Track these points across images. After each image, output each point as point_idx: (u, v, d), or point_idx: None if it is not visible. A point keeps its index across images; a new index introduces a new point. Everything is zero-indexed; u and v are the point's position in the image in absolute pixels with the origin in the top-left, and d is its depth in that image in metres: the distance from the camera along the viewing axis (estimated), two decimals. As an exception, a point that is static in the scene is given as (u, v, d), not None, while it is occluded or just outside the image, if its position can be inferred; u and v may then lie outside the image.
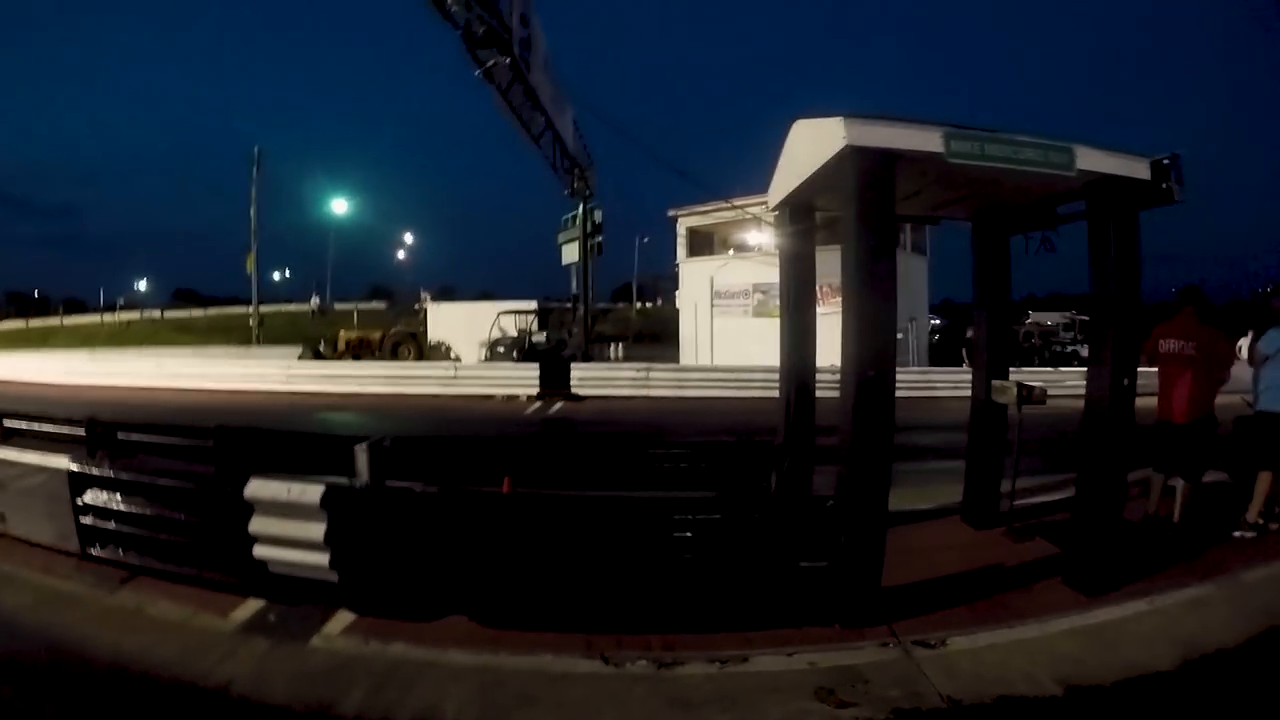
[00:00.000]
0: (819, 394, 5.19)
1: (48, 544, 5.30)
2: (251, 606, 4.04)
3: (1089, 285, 4.06)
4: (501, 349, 20.79)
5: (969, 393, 5.49)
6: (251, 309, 30.12)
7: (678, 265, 23.29)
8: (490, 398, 15.31)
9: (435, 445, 6.58)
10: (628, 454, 6.33)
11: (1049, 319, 27.60)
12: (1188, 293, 5.10)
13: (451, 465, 5.66)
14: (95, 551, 5.00)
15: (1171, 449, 4.97)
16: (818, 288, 5.50)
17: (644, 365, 17.02)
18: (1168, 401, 4.92)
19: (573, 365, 16.36)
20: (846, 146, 3.52)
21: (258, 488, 4.08)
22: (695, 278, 22.56)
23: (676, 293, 26.18)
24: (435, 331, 25.54)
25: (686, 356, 21.73)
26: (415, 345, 24.53)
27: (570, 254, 21.70)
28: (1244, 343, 5.47)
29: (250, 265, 28.03)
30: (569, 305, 22.55)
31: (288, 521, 3.99)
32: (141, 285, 66.02)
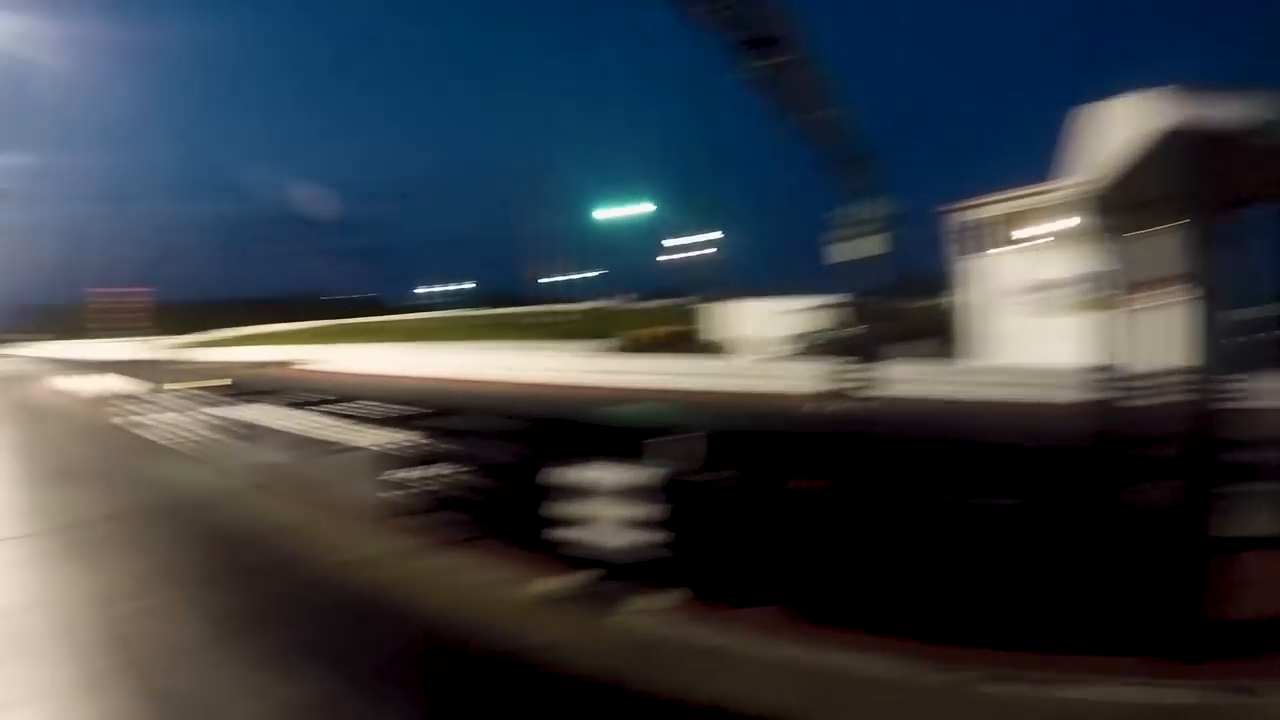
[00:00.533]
0: (1134, 399, 4.70)
1: (367, 509, 5.95)
2: (560, 580, 4.26)
3: None
4: (799, 345, 20.14)
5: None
6: (553, 308, 36.16)
7: (960, 259, 21.51)
8: (787, 394, 13.84)
9: (742, 438, 6.60)
10: (949, 455, 6.03)
11: None
12: None
13: (761, 458, 5.65)
14: (413, 519, 5.54)
15: None
16: (1129, 280, 4.99)
17: (936, 362, 16.10)
18: None
19: (863, 362, 15.75)
20: (1169, 126, 3.22)
21: (572, 470, 4.44)
22: (982, 272, 20.60)
23: (957, 288, 23.84)
24: (723, 328, 25.22)
25: (973, 354, 19.93)
26: (700, 341, 24.85)
27: (846, 251, 21.06)
28: None
29: (545, 272, 35.14)
30: (863, 302, 21.68)
31: (601, 503, 4.27)
32: (455, 286, 76.58)
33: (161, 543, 6.03)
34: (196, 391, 11.00)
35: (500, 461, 5.36)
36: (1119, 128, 3.94)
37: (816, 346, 19.64)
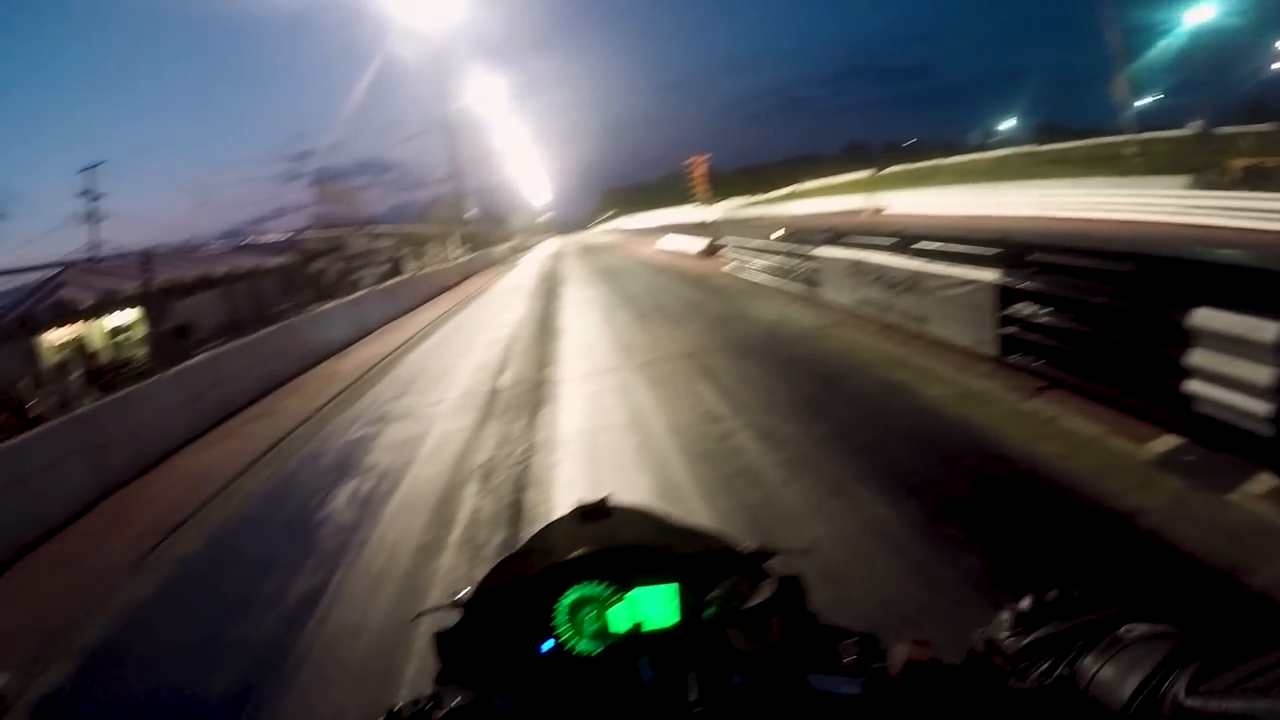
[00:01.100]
0: None
1: (964, 347, 5.99)
2: (1168, 441, 3.87)
3: None
4: None
5: None
6: (1127, 137, 28.66)
7: None
8: None
9: None
10: None
11: None
12: None
13: None
14: (1013, 359, 5.43)
15: None
16: None
17: None
18: None
19: None
20: None
21: (1205, 317, 3.78)
22: None
23: None
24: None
25: None
26: None
27: None
28: None
29: (1119, 92, 27.68)
30: None
31: (1230, 359, 3.62)
32: (1006, 125, 70.76)
33: (760, 371, 6.56)
34: (779, 241, 11.49)
35: (1109, 303, 4.60)
36: None
37: None
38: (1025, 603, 0.67)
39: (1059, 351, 4.97)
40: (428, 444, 6.01)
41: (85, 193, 33.56)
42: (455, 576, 3.59)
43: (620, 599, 0.78)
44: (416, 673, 2.78)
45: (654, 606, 0.78)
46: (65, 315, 14.43)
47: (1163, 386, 4.05)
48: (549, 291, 17.57)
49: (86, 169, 33.80)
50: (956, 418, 4.66)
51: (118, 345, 19.06)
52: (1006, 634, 0.65)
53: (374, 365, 11.12)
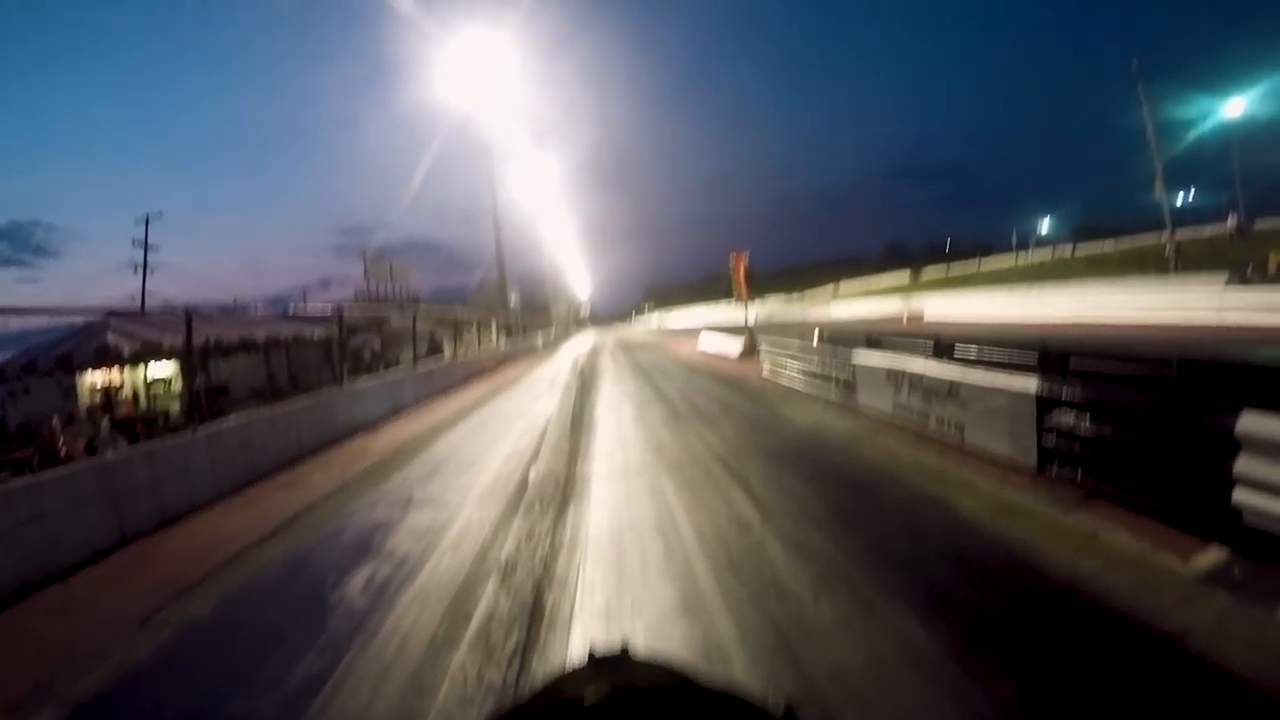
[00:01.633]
0: None
1: (1003, 458, 6.07)
2: (1214, 554, 3.85)
3: None
4: None
5: None
6: (1163, 236, 29.55)
7: None
8: None
9: None
10: None
11: None
12: None
13: None
14: (1053, 471, 5.44)
15: None
16: None
17: None
18: None
19: None
20: None
21: (1250, 423, 3.75)
22: None
23: None
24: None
25: None
26: None
27: None
28: None
29: (1157, 190, 27.83)
30: None
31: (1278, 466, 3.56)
32: (1044, 226, 73.14)
33: (793, 478, 6.55)
34: (817, 344, 11.73)
35: (1151, 411, 4.60)
36: None
37: None
38: None
39: (1100, 462, 4.97)
40: (451, 532, 6.02)
41: (139, 242, 35.92)
42: (466, 676, 3.53)
43: None
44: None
45: None
46: (105, 360, 15.09)
47: (1208, 496, 4.02)
48: (584, 385, 17.82)
49: (143, 219, 36.38)
50: (994, 532, 4.62)
51: (154, 396, 19.77)
52: None
53: (405, 445, 11.26)
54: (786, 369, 13.35)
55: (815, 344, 12.59)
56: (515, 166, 49.79)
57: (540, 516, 6.16)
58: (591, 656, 0.90)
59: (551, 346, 49.93)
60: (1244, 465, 3.79)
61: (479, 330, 37.82)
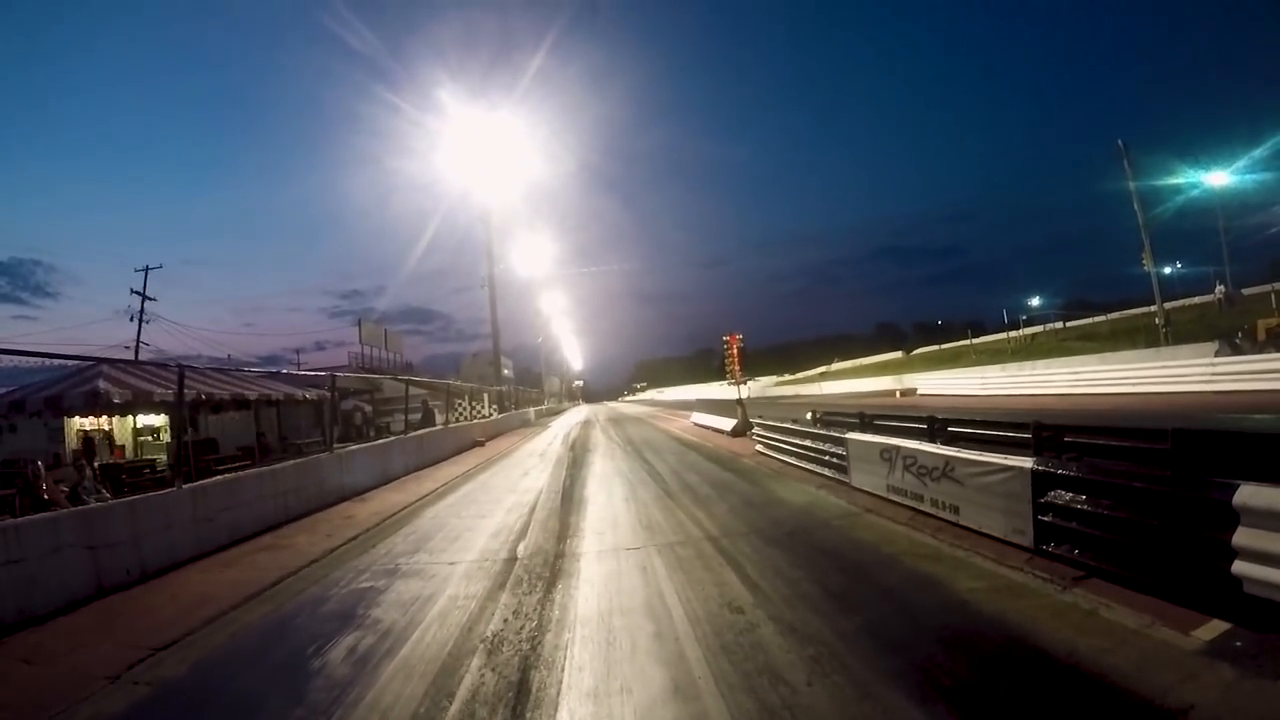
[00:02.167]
0: None
1: (999, 536, 6.10)
2: (1216, 627, 3.88)
3: None
4: None
5: None
6: (1153, 308, 30.56)
7: None
8: None
9: None
10: None
11: None
12: None
13: None
14: (1049, 548, 5.47)
15: None
16: None
17: None
18: None
19: None
20: None
21: (1247, 494, 3.80)
22: None
23: None
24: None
25: None
26: None
27: None
28: None
29: (1146, 262, 29.07)
30: None
31: (1275, 536, 3.64)
32: (1034, 301, 75.06)
33: (787, 559, 6.53)
34: (809, 423, 11.88)
35: (1147, 485, 4.69)
36: None
37: None
38: None
39: (1097, 538, 5.03)
40: (436, 606, 5.94)
41: (137, 292, 36.33)
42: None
43: None
44: None
45: None
46: (96, 405, 15.00)
47: (1207, 569, 4.09)
48: (575, 460, 17.76)
49: (142, 270, 36.92)
50: (992, 613, 4.62)
51: (142, 445, 19.53)
52: None
53: (392, 515, 11.15)
54: (779, 447, 13.40)
55: (808, 423, 12.73)
56: (513, 240, 51.20)
57: (528, 593, 6.10)
58: None
59: (544, 420, 49.81)
60: (1243, 537, 3.87)
61: (471, 401, 37.82)
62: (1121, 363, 23.01)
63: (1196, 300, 41.72)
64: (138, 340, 36.02)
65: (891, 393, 36.59)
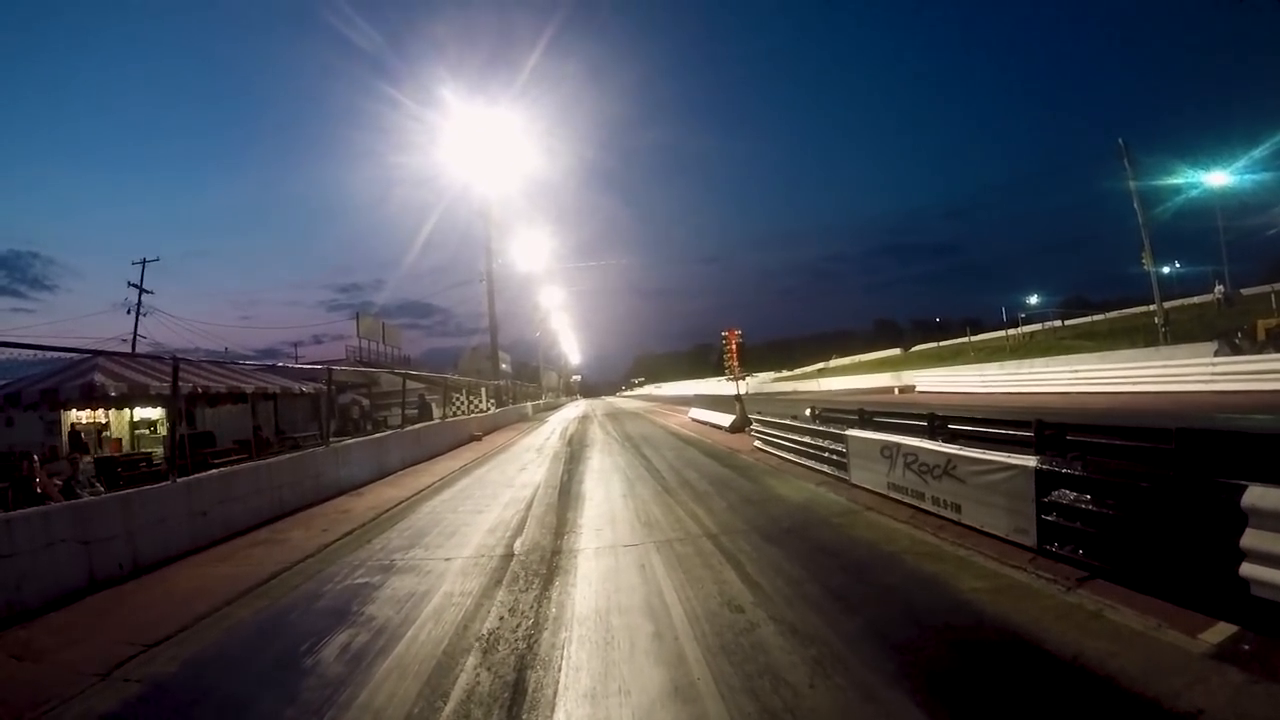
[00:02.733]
0: None
1: (1001, 535, 6.05)
2: (1223, 629, 3.84)
3: None
4: None
5: None
6: (1152, 308, 30.60)
7: None
8: None
9: None
10: None
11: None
12: None
13: None
14: (1053, 548, 5.41)
15: None
16: None
17: None
18: None
19: None
20: None
21: (1261, 497, 3.74)
22: None
23: None
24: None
25: None
26: None
27: None
28: None
29: (1145, 262, 28.94)
30: None
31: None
32: (1033, 300, 75.14)
33: (787, 557, 6.46)
34: (808, 419, 11.83)
35: (1152, 485, 4.60)
36: None
37: None
38: None
39: (1103, 538, 4.96)
40: (431, 603, 5.88)
41: (134, 285, 36.15)
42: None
43: None
44: None
45: None
46: (92, 398, 14.92)
47: (1214, 570, 4.03)
48: (573, 455, 17.71)
49: (140, 262, 36.73)
50: (996, 614, 4.57)
51: (138, 438, 19.44)
52: None
53: (388, 509, 11.09)
54: (778, 444, 13.36)
55: (808, 419, 12.67)
56: (512, 235, 50.97)
57: (524, 590, 6.04)
58: None
59: (541, 415, 49.75)
60: (1252, 539, 3.82)
61: (469, 395, 37.75)
62: (1121, 362, 23.02)
63: (1196, 300, 41.76)
64: (134, 333, 35.86)
65: (890, 390, 36.60)
